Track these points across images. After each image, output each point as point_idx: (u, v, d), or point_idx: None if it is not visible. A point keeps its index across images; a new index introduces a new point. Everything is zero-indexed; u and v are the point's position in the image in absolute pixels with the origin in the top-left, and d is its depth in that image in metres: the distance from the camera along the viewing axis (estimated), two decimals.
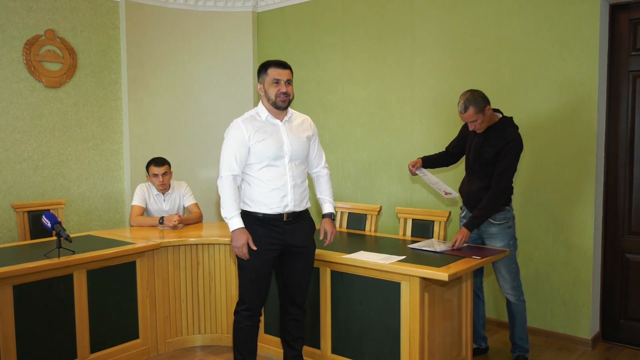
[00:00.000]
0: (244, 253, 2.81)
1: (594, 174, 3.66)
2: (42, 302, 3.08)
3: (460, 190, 3.48)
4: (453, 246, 3.20)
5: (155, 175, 4.23)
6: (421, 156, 3.65)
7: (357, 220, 4.13)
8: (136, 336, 3.56)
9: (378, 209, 4.05)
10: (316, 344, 3.33)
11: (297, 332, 3.10)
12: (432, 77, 4.35)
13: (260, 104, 2.96)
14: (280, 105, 2.86)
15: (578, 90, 3.66)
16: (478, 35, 4.09)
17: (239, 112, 5.52)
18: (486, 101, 3.15)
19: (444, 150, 3.64)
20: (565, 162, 3.74)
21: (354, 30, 4.83)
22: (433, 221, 3.74)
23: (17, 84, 4.48)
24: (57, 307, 3.15)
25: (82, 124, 4.89)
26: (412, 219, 3.84)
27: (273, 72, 2.84)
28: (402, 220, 3.88)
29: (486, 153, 3.23)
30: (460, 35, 4.17)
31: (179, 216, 4.08)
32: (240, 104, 5.56)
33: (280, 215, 2.89)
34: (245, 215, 2.90)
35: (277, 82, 2.83)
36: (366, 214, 4.09)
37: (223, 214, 2.84)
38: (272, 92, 2.83)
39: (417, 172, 3.53)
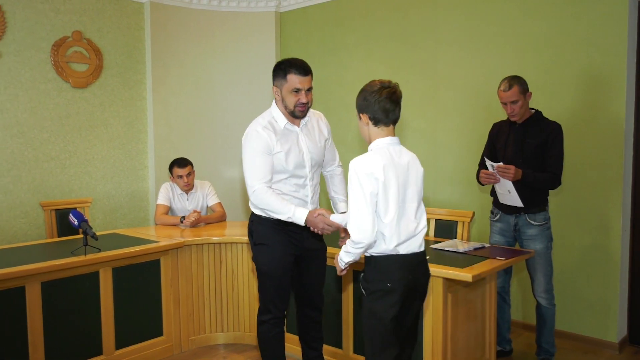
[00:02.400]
0: (328, 229, 2.57)
1: (622, 174, 3.58)
2: (69, 298, 3.14)
3: (494, 193, 3.37)
4: (498, 168, 3.09)
5: (180, 176, 4.27)
6: (479, 169, 3.38)
7: None
8: (160, 333, 3.60)
9: None
10: (338, 344, 3.33)
11: (318, 333, 3.04)
12: (455, 76, 4.31)
13: (274, 107, 2.76)
14: (299, 115, 2.70)
15: (606, 89, 3.60)
16: (502, 33, 4.04)
17: (261, 111, 5.54)
18: (528, 88, 3.20)
19: (480, 163, 3.47)
20: (592, 161, 3.68)
21: (376, 29, 4.81)
22: (456, 221, 3.70)
23: (45, 84, 4.56)
24: (84, 304, 3.21)
25: (108, 123, 4.97)
26: (435, 219, 3.80)
27: (293, 80, 2.62)
28: None
29: (529, 145, 3.19)
30: (484, 33, 4.13)
31: (198, 214, 4.11)
32: (263, 103, 5.57)
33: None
34: (263, 220, 2.76)
35: (297, 92, 2.64)
36: None
37: (283, 218, 2.62)
38: (291, 101, 2.65)
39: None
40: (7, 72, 4.35)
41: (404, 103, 4.61)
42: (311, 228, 2.61)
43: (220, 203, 4.45)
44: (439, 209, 3.93)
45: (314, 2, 5.26)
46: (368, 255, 2.25)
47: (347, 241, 2.23)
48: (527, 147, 3.19)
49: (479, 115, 4.15)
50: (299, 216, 2.59)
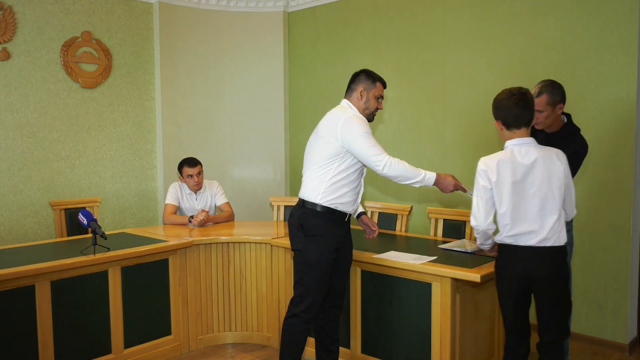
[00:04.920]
0: (456, 187, 2.91)
1: (632, 175, 3.56)
2: (78, 297, 3.16)
3: None
4: None
5: (190, 176, 4.28)
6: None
7: (387, 220, 4.11)
8: (168, 332, 3.61)
9: (409, 209, 4.02)
10: (346, 344, 3.33)
11: (336, 333, 3.06)
12: (464, 76, 4.30)
13: (352, 106, 2.93)
14: (371, 119, 2.96)
15: (616, 89, 3.57)
16: (511, 33, 4.02)
17: (270, 111, 5.60)
18: (562, 99, 2.86)
19: None
20: (602, 162, 3.65)
21: (385, 29, 4.80)
22: (464, 221, 3.69)
23: (55, 84, 4.60)
24: (93, 303, 3.22)
25: (117, 123, 5.00)
26: (443, 219, 3.79)
27: (380, 88, 2.95)
28: (433, 221, 3.84)
29: None
30: (493, 33, 4.11)
31: (206, 214, 4.12)
32: (271, 103, 5.59)
33: (349, 214, 2.93)
34: (319, 213, 2.83)
35: (379, 98, 2.96)
36: (397, 214, 4.06)
37: (416, 180, 2.81)
38: (373, 104, 2.94)
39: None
40: (18, 73, 4.39)
41: (412, 103, 4.65)
42: (440, 188, 2.90)
43: (228, 203, 4.46)
44: (447, 208, 3.92)
45: (322, 2, 5.26)
46: (497, 241, 2.56)
47: None
48: None
49: (488, 115, 4.12)
50: (430, 178, 2.84)
